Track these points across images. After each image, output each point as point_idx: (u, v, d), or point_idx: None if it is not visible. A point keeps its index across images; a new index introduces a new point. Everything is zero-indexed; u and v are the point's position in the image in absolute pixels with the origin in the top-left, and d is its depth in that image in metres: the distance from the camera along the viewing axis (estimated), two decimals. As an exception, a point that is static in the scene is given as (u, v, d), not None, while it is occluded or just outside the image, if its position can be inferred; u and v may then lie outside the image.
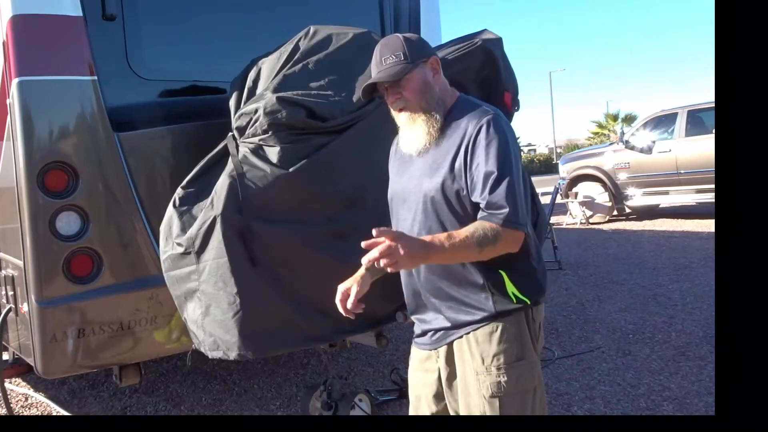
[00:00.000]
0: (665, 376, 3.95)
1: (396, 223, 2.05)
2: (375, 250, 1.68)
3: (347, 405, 3.36)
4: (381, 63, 1.94)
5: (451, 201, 1.88)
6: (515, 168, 1.83)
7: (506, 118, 1.95)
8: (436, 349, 2.01)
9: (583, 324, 5.18)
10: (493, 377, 1.88)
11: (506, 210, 1.79)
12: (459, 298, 1.93)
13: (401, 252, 1.68)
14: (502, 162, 1.81)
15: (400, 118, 1.96)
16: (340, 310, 1.97)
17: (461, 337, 1.94)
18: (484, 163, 1.82)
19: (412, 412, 2.12)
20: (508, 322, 1.90)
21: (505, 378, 1.88)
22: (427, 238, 1.79)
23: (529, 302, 1.92)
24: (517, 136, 2.00)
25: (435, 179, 1.90)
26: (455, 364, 1.97)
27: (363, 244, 1.71)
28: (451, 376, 1.99)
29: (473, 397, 1.91)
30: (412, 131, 1.94)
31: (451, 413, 2.01)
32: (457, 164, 1.86)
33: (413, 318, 2.10)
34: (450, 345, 1.97)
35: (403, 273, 2.04)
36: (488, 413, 1.88)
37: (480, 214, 1.83)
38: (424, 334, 2.05)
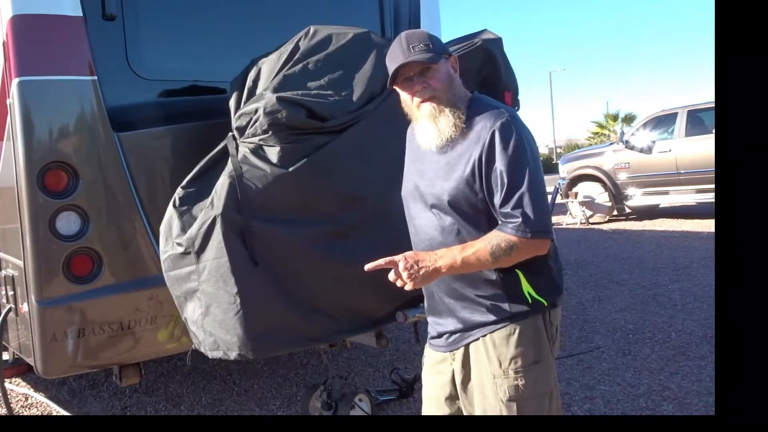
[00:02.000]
0: (665, 376, 3.95)
1: (410, 220, 2.04)
2: (392, 273, 1.80)
3: (347, 405, 3.36)
4: (409, 50, 1.86)
5: (464, 204, 1.86)
6: (532, 172, 1.80)
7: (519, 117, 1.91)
8: (452, 351, 1.98)
9: (583, 324, 5.17)
10: (510, 381, 1.86)
11: (518, 220, 1.78)
12: (473, 298, 1.91)
13: (420, 271, 1.79)
14: (516, 169, 1.79)
15: (424, 109, 1.88)
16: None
17: (477, 339, 1.91)
18: (499, 170, 1.80)
19: (424, 413, 2.09)
20: (524, 325, 1.88)
21: (523, 381, 1.86)
22: (440, 253, 1.81)
23: (545, 303, 1.90)
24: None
25: (449, 183, 1.87)
26: (471, 366, 1.94)
27: (382, 261, 1.80)
28: (467, 378, 1.96)
29: (490, 401, 1.89)
30: (435, 124, 1.87)
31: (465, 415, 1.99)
32: (472, 169, 1.83)
33: (429, 319, 2.07)
34: (467, 347, 1.94)
35: None
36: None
37: (500, 222, 1.83)
38: (439, 336, 2.02)
